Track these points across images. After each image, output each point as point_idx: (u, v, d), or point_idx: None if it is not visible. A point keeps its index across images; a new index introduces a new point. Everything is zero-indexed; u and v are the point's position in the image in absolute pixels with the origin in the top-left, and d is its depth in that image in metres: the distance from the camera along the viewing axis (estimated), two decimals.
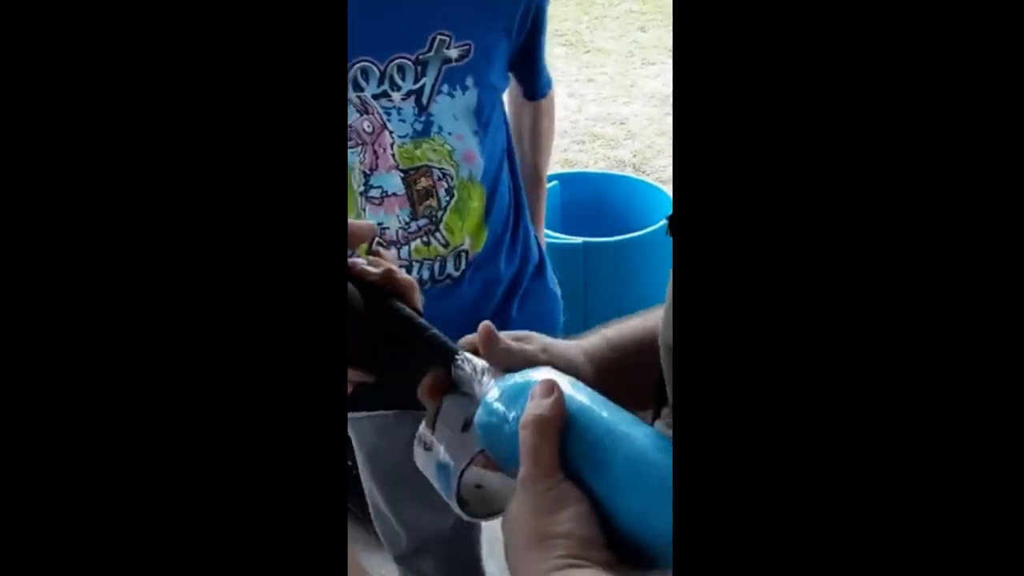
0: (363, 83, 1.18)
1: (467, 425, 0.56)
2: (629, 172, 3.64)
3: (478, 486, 0.58)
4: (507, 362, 0.59)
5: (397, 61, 1.17)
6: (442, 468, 0.56)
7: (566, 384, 0.53)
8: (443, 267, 1.28)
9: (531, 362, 0.59)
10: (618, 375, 0.62)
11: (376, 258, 0.63)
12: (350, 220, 0.60)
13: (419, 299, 0.62)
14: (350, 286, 0.58)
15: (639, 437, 0.49)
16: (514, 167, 1.36)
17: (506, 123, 1.33)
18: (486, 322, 0.60)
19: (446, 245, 1.27)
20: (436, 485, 0.57)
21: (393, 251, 1.27)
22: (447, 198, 1.25)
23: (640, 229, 2.29)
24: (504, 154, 1.32)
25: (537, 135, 1.51)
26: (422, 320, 0.60)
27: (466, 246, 1.28)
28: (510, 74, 1.34)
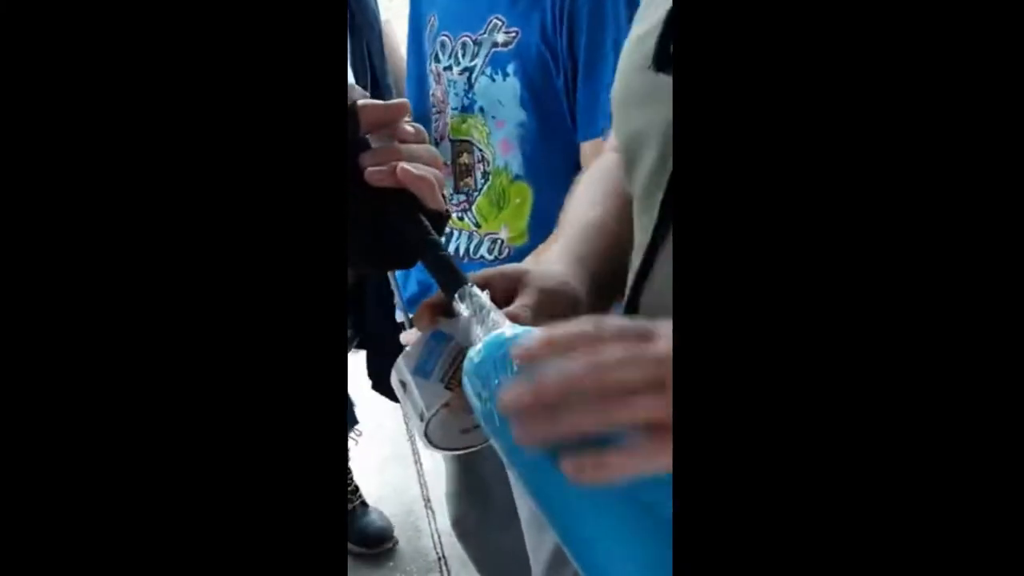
0: (441, 55, 1.26)
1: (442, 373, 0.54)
2: None
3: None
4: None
5: (463, 39, 1.22)
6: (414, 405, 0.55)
7: None
8: (478, 247, 1.30)
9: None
10: (604, 282, 0.63)
11: (406, 140, 0.57)
12: (377, 102, 0.57)
13: (439, 198, 0.57)
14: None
15: None
16: None
17: None
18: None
19: (478, 226, 1.29)
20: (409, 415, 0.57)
21: None
22: (482, 181, 1.26)
23: None
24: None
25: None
26: (436, 238, 0.57)
27: (502, 235, 1.28)
28: None
